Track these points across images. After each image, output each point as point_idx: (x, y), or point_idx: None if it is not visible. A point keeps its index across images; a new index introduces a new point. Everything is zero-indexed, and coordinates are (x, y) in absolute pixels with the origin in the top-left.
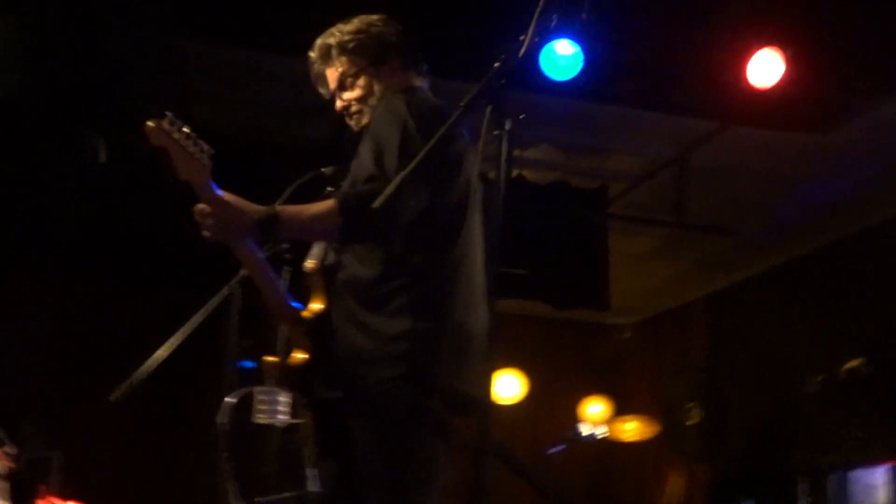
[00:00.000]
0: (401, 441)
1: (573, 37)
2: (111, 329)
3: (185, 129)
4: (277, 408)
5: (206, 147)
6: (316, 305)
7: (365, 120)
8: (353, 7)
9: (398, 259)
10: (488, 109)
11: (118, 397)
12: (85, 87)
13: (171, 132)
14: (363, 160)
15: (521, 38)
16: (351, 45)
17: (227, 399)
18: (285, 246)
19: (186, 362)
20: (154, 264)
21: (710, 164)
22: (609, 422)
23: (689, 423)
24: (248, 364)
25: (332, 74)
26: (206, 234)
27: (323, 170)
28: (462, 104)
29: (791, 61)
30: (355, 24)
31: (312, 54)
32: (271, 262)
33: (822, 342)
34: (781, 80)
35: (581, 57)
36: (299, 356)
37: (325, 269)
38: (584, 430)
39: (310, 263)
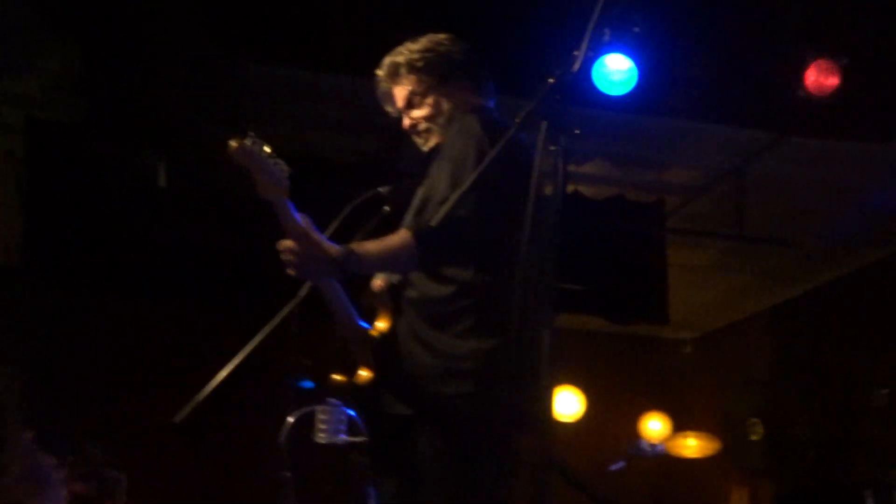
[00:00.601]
0: (467, 457)
1: (627, 51)
2: (173, 350)
3: (267, 149)
4: (338, 427)
5: (284, 167)
6: (382, 324)
7: (433, 139)
8: (407, 27)
9: (468, 278)
10: (543, 125)
11: (181, 419)
12: (145, 109)
13: (254, 151)
14: (437, 182)
15: (575, 53)
16: (419, 63)
17: (287, 418)
18: None
19: (248, 382)
20: (215, 285)
21: (769, 175)
22: (669, 438)
23: (752, 438)
24: (308, 384)
25: (400, 92)
26: (290, 271)
27: (380, 189)
28: (517, 121)
29: (848, 71)
30: (423, 42)
31: (380, 72)
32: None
33: (887, 354)
34: (838, 90)
35: (635, 71)
36: (365, 374)
37: (391, 288)
38: (645, 446)
39: (377, 282)
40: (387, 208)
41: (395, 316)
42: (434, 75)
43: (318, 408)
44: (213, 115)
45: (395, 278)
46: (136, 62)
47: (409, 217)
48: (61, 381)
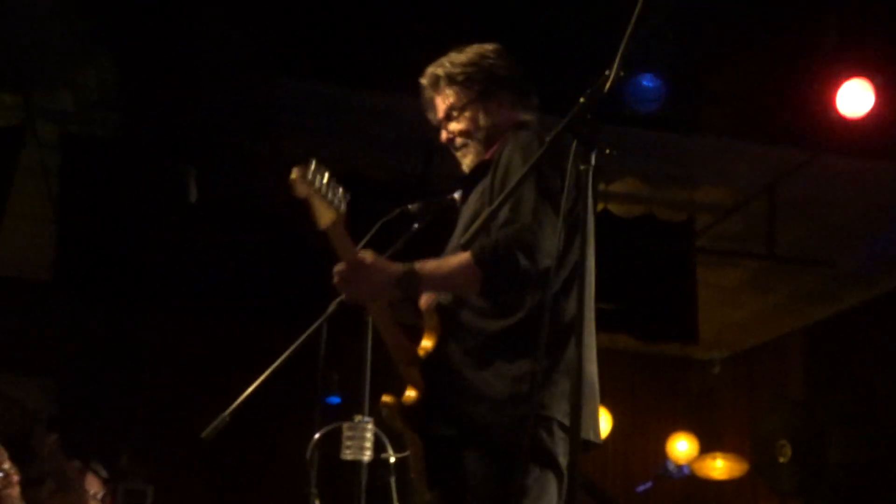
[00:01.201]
0: (518, 478)
1: (657, 69)
2: (203, 364)
3: (326, 175)
4: (364, 444)
5: (341, 193)
6: (428, 343)
7: (470, 155)
8: (441, 43)
9: (523, 300)
10: (574, 143)
11: (209, 434)
12: (179, 124)
13: (314, 182)
14: (499, 205)
15: (607, 72)
16: (459, 77)
17: (314, 434)
18: None
19: (277, 398)
20: (246, 301)
21: (801, 194)
22: (696, 459)
23: (780, 460)
24: (335, 399)
25: (441, 104)
26: (344, 297)
27: (409, 206)
28: (548, 139)
29: (881, 90)
30: (468, 54)
31: (423, 81)
32: None
33: None
34: (871, 110)
35: (665, 90)
36: (412, 394)
37: (439, 308)
38: (672, 467)
39: (425, 302)
40: (416, 225)
41: (443, 335)
42: (474, 90)
43: (345, 424)
44: (248, 130)
45: (444, 298)
46: (171, 77)
47: (459, 234)
48: (91, 393)
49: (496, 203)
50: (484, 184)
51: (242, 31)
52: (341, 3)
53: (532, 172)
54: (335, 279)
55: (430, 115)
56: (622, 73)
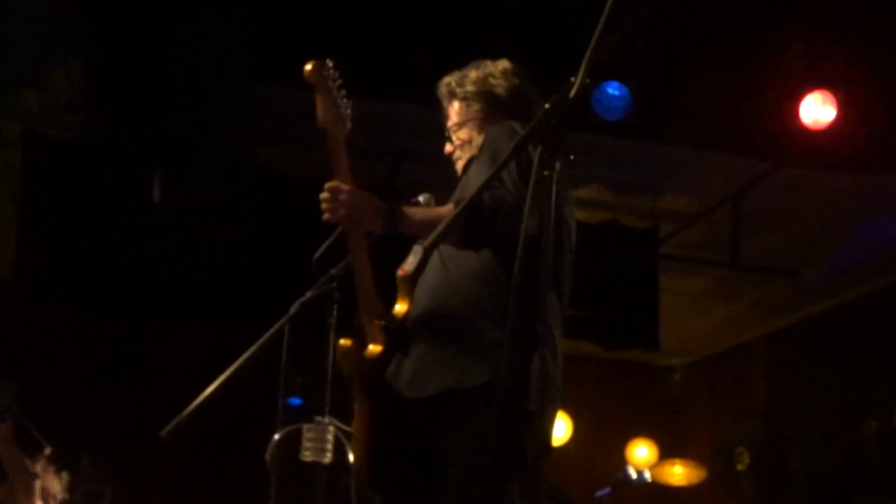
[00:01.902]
0: (485, 446)
1: (623, 77)
2: (164, 365)
3: (339, 80)
4: (324, 446)
5: (348, 103)
6: (400, 307)
7: (461, 161)
8: (418, 53)
9: (496, 272)
10: (538, 150)
11: (168, 434)
12: (147, 127)
13: (328, 77)
14: (478, 176)
15: (572, 78)
16: (460, 95)
17: (274, 436)
18: (334, 283)
19: (239, 400)
20: (208, 302)
21: (764, 204)
22: (656, 465)
23: (738, 467)
24: (297, 401)
25: (450, 115)
26: (328, 216)
27: None
28: (513, 144)
29: (844, 102)
30: (478, 73)
31: (438, 91)
32: (320, 299)
33: (885, 385)
34: (835, 121)
35: (630, 98)
36: (374, 348)
37: (415, 276)
38: (630, 472)
39: (402, 270)
40: None
41: (415, 302)
42: (473, 111)
43: (306, 426)
44: (217, 134)
45: (419, 266)
46: (139, 80)
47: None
48: (50, 395)
49: (466, 201)
50: (468, 173)
51: (214, 36)
52: (313, 9)
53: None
54: (323, 194)
55: (446, 122)
56: (588, 81)
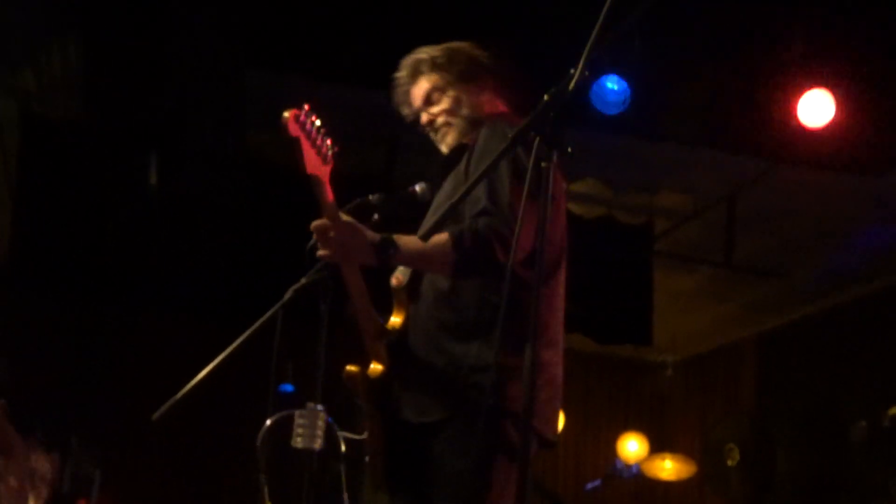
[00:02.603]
0: (482, 468)
1: (622, 72)
2: (157, 350)
3: (317, 123)
4: (315, 432)
5: (329, 144)
6: (396, 320)
7: (451, 135)
8: (410, 39)
9: (494, 291)
10: (536, 141)
11: (159, 418)
12: (142, 109)
13: (306, 124)
14: (476, 197)
15: (572, 71)
16: (441, 59)
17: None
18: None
19: (231, 386)
20: (203, 292)
21: (760, 204)
22: (646, 459)
23: (728, 463)
24: (289, 388)
25: (419, 90)
26: (322, 253)
27: (370, 197)
28: (510, 136)
29: (842, 102)
30: (444, 46)
31: (400, 73)
32: (313, 287)
33: (872, 388)
34: (832, 122)
35: (629, 93)
36: (377, 368)
37: (409, 286)
38: (621, 466)
39: (396, 279)
40: (376, 217)
41: (410, 315)
42: (454, 71)
43: (297, 412)
44: (213, 119)
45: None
46: (136, 63)
47: (429, 218)
48: (43, 377)
49: (460, 192)
50: (459, 168)
51: (211, 20)
52: None
53: (509, 162)
54: (314, 233)
55: (405, 110)
56: (587, 74)
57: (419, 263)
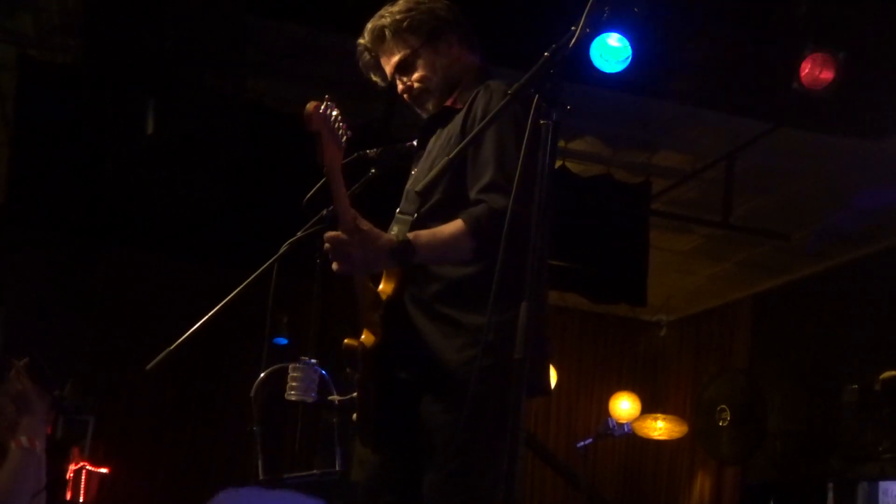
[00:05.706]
0: (479, 425)
1: (624, 30)
2: (156, 301)
3: (335, 112)
4: (309, 385)
5: (345, 128)
6: (386, 287)
7: (431, 101)
8: None
9: (486, 251)
10: (535, 98)
11: (153, 367)
12: (140, 54)
13: (329, 117)
14: (483, 161)
15: (573, 28)
16: (405, 23)
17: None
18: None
19: (226, 337)
20: (201, 239)
21: (759, 165)
22: (638, 419)
23: (720, 424)
24: (283, 340)
25: (388, 59)
26: (336, 267)
27: (368, 151)
28: (510, 92)
29: (843, 65)
30: (402, 3)
31: (363, 40)
32: (310, 240)
33: (866, 351)
34: (833, 84)
35: (629, 50)
36: (371, 338)
37: None
38: (613, 425)
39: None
40: (374, 171)
41: (402, 280)
42: (421, 35)
43: (291, 365)
44: (212, 65)
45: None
46: (135, 6)
47: (417, 179)
48: (38, 322)
49: (455, 151)
50: (449, 130)
51: None
52: None
53: (513, 135)
54: (327, 247)
55: (375, 77)
56: (588, 31)
57: (439, 258)
